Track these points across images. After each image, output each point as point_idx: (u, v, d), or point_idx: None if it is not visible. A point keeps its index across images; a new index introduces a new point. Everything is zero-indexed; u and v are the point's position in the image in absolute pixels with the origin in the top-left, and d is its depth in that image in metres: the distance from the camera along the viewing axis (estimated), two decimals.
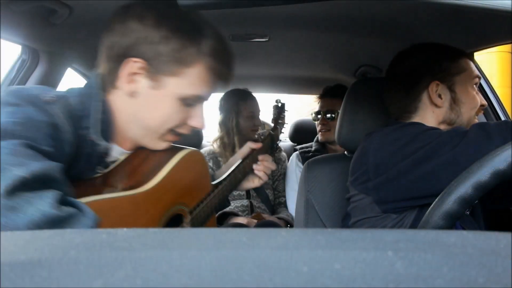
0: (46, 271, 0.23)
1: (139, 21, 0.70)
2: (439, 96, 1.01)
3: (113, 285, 0.22)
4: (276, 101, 1.24)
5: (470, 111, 1.00)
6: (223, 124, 1.94)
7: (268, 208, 1.92)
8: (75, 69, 1.62)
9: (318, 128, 2.02)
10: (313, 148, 2.04)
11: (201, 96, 0.76)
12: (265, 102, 2.16)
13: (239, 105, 1.89)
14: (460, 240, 0.28)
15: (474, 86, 1.02)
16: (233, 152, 1.89)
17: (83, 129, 0.69)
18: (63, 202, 0.55)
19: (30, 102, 0.62)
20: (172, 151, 0.80)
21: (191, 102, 0.75)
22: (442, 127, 1.02)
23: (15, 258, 0.24)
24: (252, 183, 1.04)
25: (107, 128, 0.73)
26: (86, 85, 0.75)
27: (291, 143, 2.56)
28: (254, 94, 1.99)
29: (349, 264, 0.24)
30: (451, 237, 0.29)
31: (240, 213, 1.82)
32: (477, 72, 1.03)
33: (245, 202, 1.88)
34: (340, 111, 1.22)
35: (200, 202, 0.86)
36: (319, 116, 1.98)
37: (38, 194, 0.52)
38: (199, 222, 0.85)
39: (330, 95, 1.97)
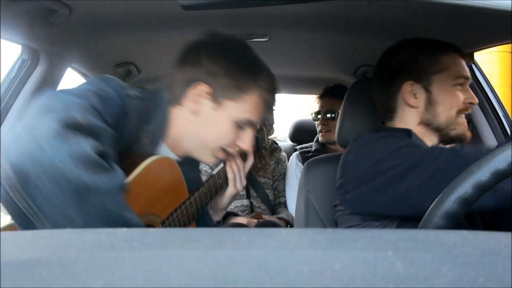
0: (46, 271, 0.23)
1: (209, 56, 0.84)
2: (415, 96, 0.98)
3: (113, 285, 0.22)
4: None
5: (448, 112, 0.96)
6: None
7: (268, 208, 1.92)
8: (75, 69, 1.62)
9: (318, 129, 2.01)
10: (313, 148, 2.03)
11: (252, 121, 0.88)
12: None
13: None
14: (460, 240, 0.28)
15: (459, 86, 0.96)
16: None
17: (141, 131, 0.81)
18: (104, 157, 0.60)
19: (114, 88, 0.73)
20: (139, 158, 0.78)
21: (243, 125, 0.87)
22: (420, 128, 0.99)
23: (15, 258, 0.24)
24: (224, 195, 1.03)
25: (162, 136, 0.85)
26: (154, 94, 0.88)
27: (291, 143, 2.56)
28: None
29: (349, 264, 0.24)
30: (451, 237, 0.29)
31: (240, 213, 1.82)
32: (463, 71, 0.97)
33: (245, 202, 1.88)
34: (340, 111, 1.22)
35: (174, 211, 0.85)
36: (319, 116, 1.98)
37: (87, 138, 0.58)
38: None
39: (330, 95, 1.96)
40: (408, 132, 0.99)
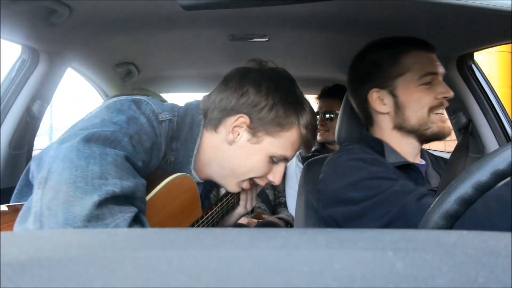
0: (46, 271, 0.23)
1: (254, 88, 0.82)
2: (383, 102, 0.98)
3: (113, 285, 0.22)
4: None
5: (417, 113, 0.94)
6: None
7: (268, 208, 1.92)
8: (75, 69, 1.62)
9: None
10: (313, 148, 2.03)
11: (287, 157, 0.87)
12: None
13: None
14: (460, 240, 0.28)
15: (425, 85, 0.94)
16: None
17: (172, 150, 0.80)
18: (136, 219, 0.59)
19: (147, 116, 0.69)
20: (162, 175, 0.78)
21: (277, 160, 0.86)
22: (395, 133, 0.99)
23: (15, 258, 0.24)
24: (233, 214, 1.05)
25: (189, 157, 0.83)
26: (187, 112, 0.84)
27: None
28: None
29: (349, 264, 0.24)
30: (451, 237, 0.29)
31: None
32: (428, 68, 0.94)
33: None
34: (340, 111, 1.22)
35: None
36: (318, 116, 1.98)
37: (121, 208, 0.56)
38: None
39: (328, 96, 1.96)
40: (379, 143, 1.00)
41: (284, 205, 1.95)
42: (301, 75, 2.09)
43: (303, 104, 0.87)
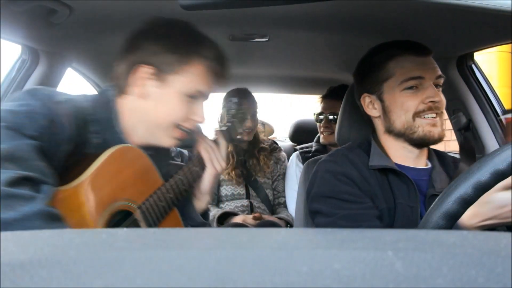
0: (46, 271, 0.23)
1: (148, 39, 0.86)
2: (374, 106, 1.02)
3: (113, 285, 0.22)
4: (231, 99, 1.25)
5: (401, 117, 0.95)
6: (219, 123, 1.95)
7: (268, 208, 1.92)
8: (75, 69, 1.62)
9: (320, 130, 1.97)
10: (313, 148, 2.03)
11: (202, 91, 0.88)
12: (264, 102, 2.15)
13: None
14: (460, 240, 0.28)
15: (409, 89, 0.94)
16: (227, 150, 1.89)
17: (91, 133, 0.81)
18: (24, 180, 0.62)
19: (39, 99, 0.72)
20: (94, 158, 0.80)
21: (193, 96, 0.87)
22: (387, 136, 1.02)
23: (15, 258, 0.24)
24: (204, 177, 1.04)
25: (117, 133, 0.85)
26: (100, 93, 0.89)
27: (291, 143, 2.56)
28: (254, 94, 1.99)
29: (349, 264, 0.24)
30: (451, 237, 0.29)
31: (240, 213, 1.83)
32: (412, 73, 0.94)
33: (245, 202, 1.88)
34: (339, 111, 1.22)
35: (150, 197, 0.87)
36: (322, 117, 1.94)
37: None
38: (153, 217, 0.86)
39: (334, 97, 1.90)
40: (368, 146, 1.04)
41: (284, 205, 1.95)
42: (301, 75, 2.10)
43: (199, 39, 0.90)
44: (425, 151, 1.03)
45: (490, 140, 1.41)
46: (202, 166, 1.02)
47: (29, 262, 0.23)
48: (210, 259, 0.24)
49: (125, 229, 0.31)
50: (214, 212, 1.77)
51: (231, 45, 1.52)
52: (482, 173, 0.46)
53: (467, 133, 1.31)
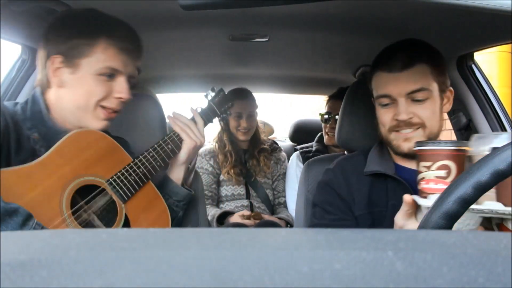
0: (46, 271, 0.23)
1: (51, 30, 0.91)
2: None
3: (113, 285, 0.22)
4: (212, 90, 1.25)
5: (381, 129, 1.00)
6: (219, 123, 1.95)
7: (268, 208, 1.92)
8: None
9: (325, 130, 1.96)
10: (313, 148, 2.03)
11: (115, 68, 0.90)
12: (265, 102, 2.15)
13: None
14: (460, 240, 0.28)
15: (382, 105, 0.98)
16: (224, 149, 1.90)
17: (29, 130, 0.86)
18: None
19: None
20: (46, 141, 0.88)
21: (108, 75, 0.90)
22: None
23: (15, 258, 0.24)
24: (182, 148, 1.07)
25: (50, 125, 0.89)
26: (31, 94, 0.93)
27: (291, 143, 2.56)
28: (254, 94, 1.99)
29: (349, 264, 0.24)
30: (451, 237, 0.29)
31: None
32: (383, 90, 0.97)
33: (245, 202, 1.88)
34: (340, 112, 1.22)
35: (118, 172, 0.93)
36: (328, 117, 1.93)
37: None
38: (124, 189, 0.93)
39: (342, 97, 1.90)
40: (367, 152, 1.07)
41: (284, 205, 1.95)
42: (301, 75, 2.10)
43: (107, 19, 0.93)
44: None
45: None
46: (175, 144, 1.06)
47: (29, 262, 0.23)
48: (210, 259, 0.24)
49: (125, 229, 0.31)
50: (213, 212, 1.77)
51: (231, 45, 1.52)
52: (482, 173, 0.46)
53: (467, 133, 1.31)
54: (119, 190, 0.92)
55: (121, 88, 0.92)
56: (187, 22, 1.27)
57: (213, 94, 1.21)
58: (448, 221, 0.47)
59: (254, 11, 1.17)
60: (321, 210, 1.04)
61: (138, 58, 0.97)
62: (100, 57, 0.89)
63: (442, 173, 0.74)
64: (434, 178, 0.74)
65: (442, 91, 0.98)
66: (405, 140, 0.96)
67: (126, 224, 0.93)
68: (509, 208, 0.62)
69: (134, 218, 0.93)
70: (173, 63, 1.81)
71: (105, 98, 0.91)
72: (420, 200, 0.73)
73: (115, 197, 0.92)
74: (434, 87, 0.95)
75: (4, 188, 0.75)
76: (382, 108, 0.98)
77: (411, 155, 0.95)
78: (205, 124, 1.15)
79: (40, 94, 0.91)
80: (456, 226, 0.63)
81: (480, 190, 0.46)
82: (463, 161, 0.75)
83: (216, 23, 1.30)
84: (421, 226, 0.50)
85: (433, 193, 0.73)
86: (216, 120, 1.25)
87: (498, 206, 0.63)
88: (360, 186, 1.01)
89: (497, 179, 0.46)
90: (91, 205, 0.90)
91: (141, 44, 0.98)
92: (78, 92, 0.89)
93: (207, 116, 1.16)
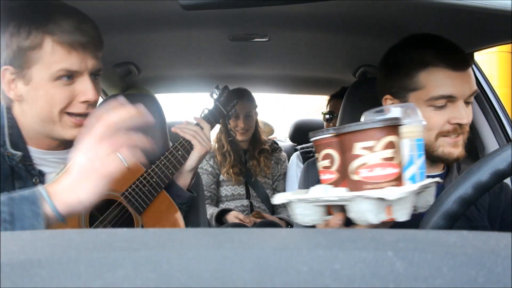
0: (46, 271, 0.23)
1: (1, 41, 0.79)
2: None
3: (113, 285, 0.22)
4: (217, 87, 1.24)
5: (425, 133, 0.83)
6: (219, 123, 1.95)
7: (268, 208, 1.92)
8: None
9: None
10: (314, 148, 2.03)
11: (69, 69, 0.79)
12: (265, 102, 2.15)
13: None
14: (460, 240, 0.28)
15: (435, 107, 0.86)
16: (223, 149, 1.90)
17: (11, 158, 0.80)
18: None
19: None
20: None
21: (66, 77, 0.79)
22: None
23: (15, 258, 0.24)
24: (192, 155, 1.07)
25: (19, 139, 0.82)
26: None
27: (291, 143, 2.56)
28: (254, 94, 1.99)
29: (349, 264, 0.24)
30: (451, 237, 0.29)
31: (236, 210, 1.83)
32: (442, 91, 0.85)
33: (245, 202, 1.88)
34: (340, 111, 1.22)
35: (132, 184, 0.93)
36: (331, 117, 1.93)
37: None
38: (139, 201, 0.93)
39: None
40: None
41: (284, 205, 1.95)
42: (301, 75, 2.10)
43: (48, 17, 0.79)
44: None
45: (490, 140, 1.41)
46: (186, 150, 1.05)
47: (29, 262, 0.23)
48: (210, 259, 0.24)
49: (125, 229, 0.31)
50: (211, 211, 1.77)
51: (231, 45, 1.52)
52: (482, 173, 0.46)
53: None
54: (135, 202, 0.92)
55: (84, 89, 0.80)
56: (187, 22, 1.27)
57: (218, 92, 1.21)
58: (448, 221, 0.47)
59: (254, 11, 1.17)
60: None
61: (97, 48, 0.85)
62: (50, 60, 0.77)
63: (389, 153, 0.57)
64: (381, 162, 0.57)
65: None
66: (455, 146, 0.87)
67: None
68: (330, 194, 0.60)
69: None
70: (173, 63, 1.81)
71: (69, 104, 0.81)
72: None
73: (131, 210, 0.92)
74: None
75: None
76: (434, 110, 0.86)
77: (443, 162, 0.92)
78: (212, 126, 1.14)
79: (8, 114, 0.83)
80: (300, 219, 0.65)
81: (480, 190, 0.47)
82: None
83: (216, 23, 1.30)
84: (421, 226, 0.50)
85: (381, 182, 0.57)
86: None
87: (318, 193, 0.61)
88: None
89: (497, 179, 0.46)
90: (110, 220, 0.91)
91: (96, 31, 0.85)
92: (38, 104, 0.80)
93: (214, 117, 1.16)
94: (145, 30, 1.34)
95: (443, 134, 0.87)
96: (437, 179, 0.71)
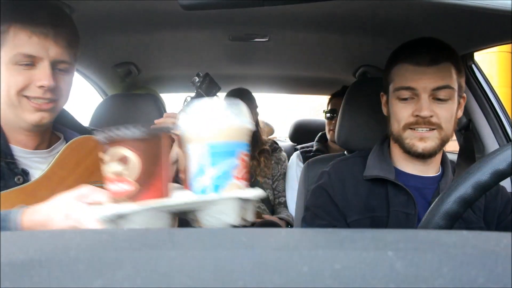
0: (46, 271, 0.23)
1: None
2: (387, 106, 1.01)
3: (113, 285, 0.22)
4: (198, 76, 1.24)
5: (394, 125, 0.95)
6: None
7: (268, 208, 1.92)
8: (75, 69, 1.62)
9: (329, 127, 1.96)
10: (314, 148, 2.03)
11: (28, 54, 0.82)
12: (265, 102, 2.15)
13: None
14: (460, 240, 0.28)
15: (401, 99, 0.92)
16: None
17: None
18: None
19: None
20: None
21: (23, 62, 0.82)
22: (391, 138, 1.00)
23: (15, 258, 0.24)
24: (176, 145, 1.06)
25: (0, 138, 0.84)
26: None
27: (291, 143, 2.56)
28: (255, 95, 1.98)
29: (349, 264, 0.24)
30: (451, 237, 0.29)
31: None
32: (405, 83, 0.91)
33: None
34: (339, 111, 1.22)
35: None
36: (332, 115, 1.93)
37: None
38: None
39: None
40: (366, 155, 1.05)
41: (284, 205, 1.95)
42: (301, 75, 2.10)
43: (15, 5, 0.83)
44: (436, 158, 0.98)
45: (490, 140, 1.41)
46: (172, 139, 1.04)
47: (29, 262, 0.23)
48: (210, 259, 0.24)
49: (125, 229, 0.31)
50: None
51: (231, 45, 1.53)
52: (482, 173, 0.46)
53: (467, 133, 1.31)
54: None
55: (42, 75, 0.82)
56: (187, 22, 1.27)
57: (199, 80, 1.21)
58: (448, 221, 0.47)
59: (254, 11, 1.17)
60: (311, 214, 1.02)
61: (65, 40, 0.87)
62: (11, 45, 0.81)
63: (120, 168, 0.50)
64: (113, 176, 0.51)
65: (459, 95, 0.94)
66: (421, 140, 0.91)
67: None
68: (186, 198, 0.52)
69: None
70: (173, 63, 1.81)
71: (26, 88, 0.83)
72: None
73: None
74: (455, 88, 0.92)
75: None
76: (400, 103, 0.93)
77: (411, 155, 0.94)
78: None
79: None
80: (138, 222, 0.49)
81: (480, 190, 0.46)
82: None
83: (216, 23, 1.30)
84: (421, 226, 0.50)
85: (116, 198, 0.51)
86: None
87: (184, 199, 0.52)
88: (357, 190, 0.98)
89: (497, 179, 0.46)
90: None
91: (67, 24, 0.88)
92: (1, 87, 0.83)
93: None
94: (145, 30, 1.34)
95: (410, 126, 0.92)
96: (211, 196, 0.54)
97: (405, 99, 0.92)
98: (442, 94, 0.91)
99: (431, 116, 0.90)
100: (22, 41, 0.81)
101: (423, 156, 0.93)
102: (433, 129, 0.91)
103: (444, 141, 0.92)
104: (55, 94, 0.86)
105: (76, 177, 0.85)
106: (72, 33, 0.89)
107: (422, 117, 0.90)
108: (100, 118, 1.50)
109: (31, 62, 0.82)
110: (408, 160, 0.98)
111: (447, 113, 0.91)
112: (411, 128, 0.92)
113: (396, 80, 0.94)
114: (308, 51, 1.64)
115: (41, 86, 0.83)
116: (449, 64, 0.92)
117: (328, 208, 1.00)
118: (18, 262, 0.23)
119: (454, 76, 0.92)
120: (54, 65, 0.85)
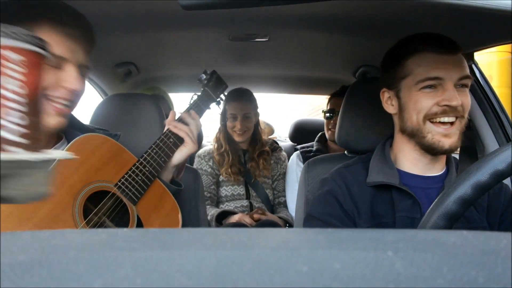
0: (46, 271, 0.23)
1: None
2: (392, 103, 0.98)
3: (113, 285, 0.22)
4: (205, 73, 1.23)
5: (413, 117, 0.91)
6: (219, 124, 1.96)
7: (268, 208, 1.92)
8: None
9: (328, 126, 1.97)
10: (314, 148, 2.03)
11: (57, 55, 0.82)
12: (265, 102, 2.15)
13: (226, 105, 1.90)
14: (460, 240, 0.28)
15: (426, 88, 0.89)
16: (221, 149, 1.90)
17: None
18: None
19: None
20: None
21: (51, 63, 0.81)
22: (400, 135, 0.97)
23: (15, 258, 0.24)
24: (181, 150, 1.06)
25: None
26: None
27: (291, 143, 2.56)
28: (255, 94, 1.98)
29: (349, 264, 0.24)
30: (451, 237, 0.29)
31: (238, 212, 1.83)
32: (430, 73, 0.89)
33: (245, 202, 1.88)
34: (340, 112, 1.22)
35: (125, 174, 0.92)
36: (331, 115, 1.93)
37: None
38: (133, 191, 0.93)
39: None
40: (368, 160, 1.03)
41: (283, 204, 1.95)
42: (301, 75, 2.10)
43: (45, 4, 0.83)
44: (442, 156, 0.97)
45: (490, 140, 1.41)
46: (177, 137, 1.04)
47: (29, 262, 0.23)
48: (210, 259, 0.24)
49: (125, 229, 0.31)
50: (213, 212, 1.77)
51: (231, 45, 1.53)
52: (482, 174, 0.46)
53: (467, 133, 1.31)
54: (129, 192, 0.91)
55: (69, 77, 0.83)
56: (187, 22, 1.27)
57: (206, 77, 1.20)
58: (448, 221, 0.47)
59: (254, 11, 1.17)
60: (321, 223, 0.96)
61: (89, 46, 0.89)
62: None
63: None
64: None
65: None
66: (446, 136, 0.88)
67: (139, 225, 0.92)
68: None
69: (146, 218, 0.93)
70: (173, 63, 1.81)
71: (51, 88, 0.83)
72: None
73: (125, 200, 0.91)
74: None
75: (16, 211, 0.73)
76: (423, 92, 0.89)
77: (434, 152, 0.91)
78: (202, 112, 1.12)
79: None
80: None
81: (479, 190, 0.46)
82: None
83: (216, 23, 1.30)
84: (421, 226, 0.50)
85: None
86: (213, 106, 1.22)
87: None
88: (362, 197, 0.96)
89: (497, 179, 0.46)
90: (104, 212, 0.89)
91: (90, 31, 0.90)
92: None
93: (204, 102, 1.15)
94: (145, 30, 1.34)
95: (431, 117, 0.89)
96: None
97: (428, 88, 0.89)
98: (466, 82, 0.90)
99: (457, 106, 0.87)
100: (55, 43, 0.81)
101: (444, 153, 0.92)
102: (456, 118, 0.89)
103: (460, 134, 0.91)
104: (77, 98, 0.87)
105: (79, 176, 0.85)
106: (93, 39, 0.91)
107: (453, 106, 0.86)
108: (100, 118, 1.50)
109: (59, 63, 0.82)
110: (417, 158, 0.95)
111: (468, 102, 0.90)
112: (431, 121, 0.89)
113: (418, 71, 0.90)
114: (308, 51, 1.64)
115: (66, 88, 0.83)
116: (463, 54, 0.92)
117: (340, 216, 0.95)
118: (18, 262, 0.23)
119: (467, 66, 0.92)
120: (79, 69, 0.86)
